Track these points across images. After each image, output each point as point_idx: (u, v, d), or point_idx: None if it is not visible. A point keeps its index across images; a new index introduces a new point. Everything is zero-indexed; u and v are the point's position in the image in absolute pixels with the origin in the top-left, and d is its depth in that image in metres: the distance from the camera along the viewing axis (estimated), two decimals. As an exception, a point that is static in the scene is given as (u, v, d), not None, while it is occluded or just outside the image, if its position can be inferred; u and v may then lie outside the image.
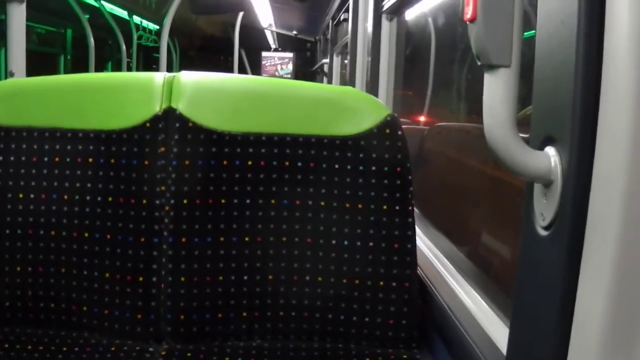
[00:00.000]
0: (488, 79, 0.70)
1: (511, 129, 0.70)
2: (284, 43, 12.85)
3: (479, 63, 0.70)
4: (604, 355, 0.63)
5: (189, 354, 1.25)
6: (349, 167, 1.29)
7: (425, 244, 1.68)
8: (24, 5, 2.29)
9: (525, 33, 0.71)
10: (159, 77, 1.34)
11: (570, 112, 0.65)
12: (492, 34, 0.68)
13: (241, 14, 8.39)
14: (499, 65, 0.68)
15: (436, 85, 2.63)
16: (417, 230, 1.36)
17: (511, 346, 0.83)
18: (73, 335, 1.31)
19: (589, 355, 0.64)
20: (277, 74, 11.70)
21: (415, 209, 1.32)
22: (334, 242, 1.29)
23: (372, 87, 2.61)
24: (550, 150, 0.70)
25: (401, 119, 1.38)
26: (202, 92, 1.34)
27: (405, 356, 1.27)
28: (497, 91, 0.69)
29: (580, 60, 0.64)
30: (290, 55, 12.09)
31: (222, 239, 1.29)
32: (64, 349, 1.26)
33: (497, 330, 1.08)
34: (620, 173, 0.60)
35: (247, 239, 1.30)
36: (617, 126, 0.60)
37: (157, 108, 1.30)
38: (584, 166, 0.64)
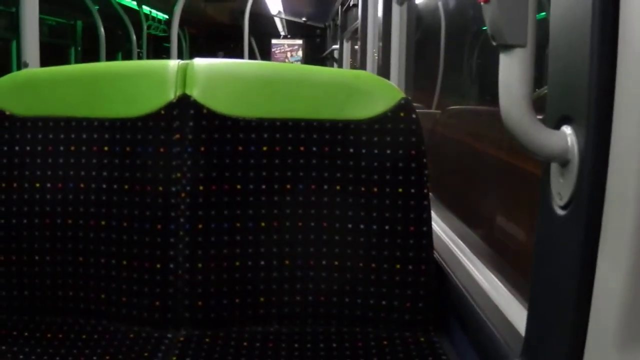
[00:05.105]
0: (503, 59, 0.70)
1: (527, 109, 0.69)
2: (294, 30, 12.79)
3: (494, 43, 0.70)
4: (624, 335, 0.63)
5: (207, 340, 1.26)
6: (363, 150, 1.29)
7: (441, 226, 1.68)
8: None
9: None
10: (172, 64, 1.34)
11: (586, 91, 0.65)
12: (506, 14, 0.67)
13: (250, 1, 8.37)
14: (515, 45, 0.68)
15: (447, 69, 2.62)
16: (433, 213, 1.36)
17: (529, 327, 0.83)
18: (91, 323, 1.32)
19: (608, 335, 0.64)
20: (287, 60, 11.66)
21: (430, 192, 1.32)
22: (350, 225, 1.30)
23: (384, 72, 2.60)
24: (566, 130, 0.69)
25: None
26: (216, 79, 1.34)
27: (422, 339, 1.27)
28: (512, 71, 0.69)
29: (595, 38, 0.63)
30: (300, 42, 12.04)
31: (238, 224, 1.30)
32: (83, 336, 1.27)
33: (515, 311, 1.08)
34: (637, 151, 0.59)
35: (263, 224, 1.30)
36: (634, 104, 0.60)
37: (171, 95, 1.31)
38: (601, 145, 0.64)
